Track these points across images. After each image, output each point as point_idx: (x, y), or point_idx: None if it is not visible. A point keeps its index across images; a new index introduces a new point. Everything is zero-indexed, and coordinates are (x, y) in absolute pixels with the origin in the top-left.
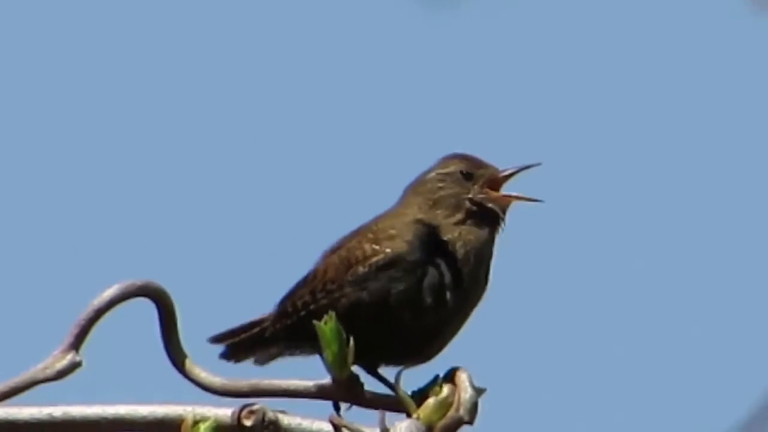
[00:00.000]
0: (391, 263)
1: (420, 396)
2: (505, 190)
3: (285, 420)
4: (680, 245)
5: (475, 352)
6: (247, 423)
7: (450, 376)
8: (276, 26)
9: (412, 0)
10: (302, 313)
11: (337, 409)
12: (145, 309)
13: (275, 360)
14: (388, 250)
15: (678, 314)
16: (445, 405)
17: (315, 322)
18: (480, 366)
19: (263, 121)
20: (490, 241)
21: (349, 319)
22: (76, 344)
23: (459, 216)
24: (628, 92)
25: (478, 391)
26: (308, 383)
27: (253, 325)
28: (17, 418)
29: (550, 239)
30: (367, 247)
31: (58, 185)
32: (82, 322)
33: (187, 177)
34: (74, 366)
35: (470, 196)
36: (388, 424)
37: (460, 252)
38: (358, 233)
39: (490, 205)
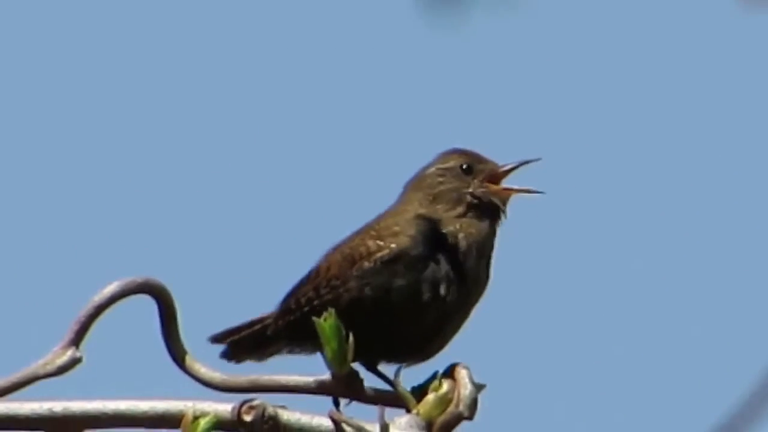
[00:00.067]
0: (396, 258)
1: (420, 392)
2: (505, 184)
3: (285, 415)
4: (679, 239)
5: (474, 348)
6: (247, 418)
7: (450, 372)
8: (278, 27)
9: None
10: (305, 309)
11: (336, 404)
12: (146, 305)
13: (274, 357)
14: (392, 246)
15: (678, 311)
16: (445, 401)
17: (315, 318)
18: (479, 362)
19: (264, 118)
20: (491, 235)
21: (352, 315)
22: (77, 340)
23: (460, 210)
24: (622, 88)
25: (478, 387)
26: (308, 379)
27: (253, 323)
28: (18, 413)
29: (549, 235)
30: (371, 243)
31: (59, 183)
32: (83, 319)
33: (187, 174)
34: (75, 362)
35: (470, 190)
36: (387, 419)
37: (462, 245)
38: (360, 232)
39: (491, 198)
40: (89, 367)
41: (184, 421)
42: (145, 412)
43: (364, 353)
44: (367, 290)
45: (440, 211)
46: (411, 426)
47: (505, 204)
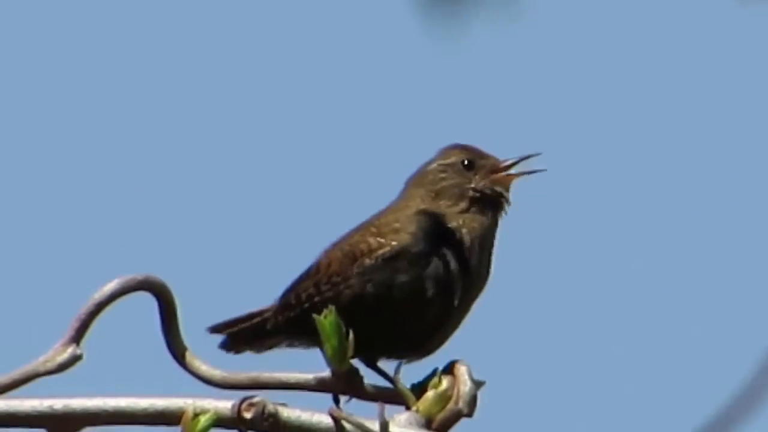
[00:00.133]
0: (397, 255)
1: (419, 389)
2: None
3: (285, 412)
4: (677, 237)
5: (473, 345)
6: (247, 415)
7: (449, 369)
8: (279, 27)
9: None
10: (306, 305)
11: (336, 401)
12: (146, 302)
13: (273, 349)
14: (394, 243)
15: (677, 308)
16: (445, 398)
17: (315, 315)
18: (479, 359)
19: (263, 115)
20: (493, 230)
21: (353, 312)
22: (77, 337)
23: (462, 205)
24: (621, 87)
25: (478, 384)
26: (308, 376)
27: (252, 316)
28: (18, 411)
29: (549, 231)
30: (371, 240)
31: (59, 180)
32: (83, 316)
33: (187, 172)
34: (75, 359)
35: (472, 185)
36: (387, 416)
37: (465, 241)
38: (360, 228)
39: (493, 188)
40: (90, 364)
41: (184, 419)
42: (145, 410)
43: (364, 350)
44: (369, 287)
45: (442, 207)
46: (411, 423)
47: (507, 191)
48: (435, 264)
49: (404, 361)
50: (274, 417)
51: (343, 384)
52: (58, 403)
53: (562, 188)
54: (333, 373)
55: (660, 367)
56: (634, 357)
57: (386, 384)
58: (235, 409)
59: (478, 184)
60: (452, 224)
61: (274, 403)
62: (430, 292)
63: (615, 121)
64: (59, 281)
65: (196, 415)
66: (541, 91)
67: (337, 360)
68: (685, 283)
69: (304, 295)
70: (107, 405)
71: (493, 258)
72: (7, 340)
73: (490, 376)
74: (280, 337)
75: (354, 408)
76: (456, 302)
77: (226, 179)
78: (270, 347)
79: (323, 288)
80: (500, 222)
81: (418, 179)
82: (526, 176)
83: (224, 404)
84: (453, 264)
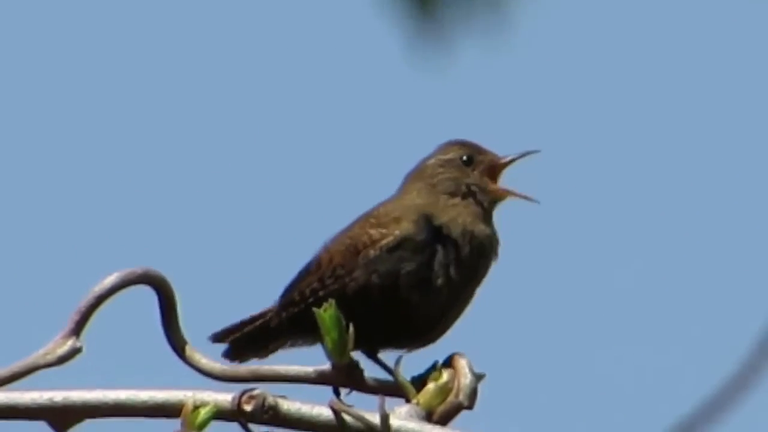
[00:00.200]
0: (400, 244)
1: (420, 382)
2: (505, 177)
3: (285, 405)
4: (676, 236)
5: (474, 337)
6: (247, 408)
7: (449, 362)
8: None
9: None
10: (310, 300)
11: (337, 394)
12: (146, 295)
13: (277, 352)
14: (396, 232)
15: (677, 305)
16: (445, 390)
17: (315, 309)
18: (479, 351)
19: (264, 117)
20: (489, 223)
21: (357, 303)
22: (77, 330)
23: (459, 199)
24: (624, 82)
25: (478, 377)
26: (308, 369)
27: (254, 319)
28: (18, 403)
29: (551, 224)
30: (373, 231)
31: (60, 174)
32: (83, 309)
33: (185, 166)
34: (75, 352)
35: (470, 180)
36: (387, 409)
37: (461, 234)
38: (359, 220)
39: (488, 195)
40: (89, 356)
41: (184, 411)
42: (145, 402)
43: (366, 341)
44: (374, 278)
45: (439, 199)
46: (411, 415)
47: (497, 203)
48: (438, 252)
49: (406, 350)
50: (274, 409)
51: (343, 377)
52: (58, 396)
53: (559, 182)
54: (333, 366)
55: (656, 359)
56: (631, 349)
57: (387, 377)
58: (235, 401)
59: (476, 180)
60: (450, 215)
61: (274, 396)
62: (435, 280)
63: (614, 121)
64: (59, 274)
65: (196, 408)
66: (540, 90)
67: (337, 353)
68: (684, 281)
69: (308, 291)
70: (107, 397)
71: (493, 254)
72: (7, 332)
73: (491, 368)
74: (283, 340)
75: (354, 401)
76: (457, 292)
77: (224, 173)
78: (274, 351)
79: (327, 282)
80: (495, 215)
81: (416, 174)
82: (520, 198)
83: (224, 397)
84: (451, 255)
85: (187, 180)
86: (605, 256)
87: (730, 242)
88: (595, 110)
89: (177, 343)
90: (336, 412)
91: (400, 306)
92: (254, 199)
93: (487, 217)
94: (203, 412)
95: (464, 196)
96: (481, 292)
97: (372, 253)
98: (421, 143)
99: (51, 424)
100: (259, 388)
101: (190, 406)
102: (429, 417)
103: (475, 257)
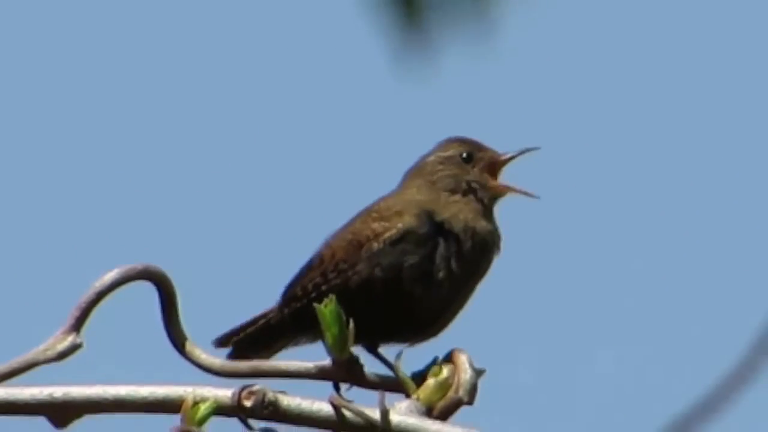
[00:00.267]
0: (403, 237)
1: (420, 377)
2: (505, 174)
3: (285, 400)
4: (676, 235)
5: (474, 333)
6: (247, 404)
7: (450, 358)
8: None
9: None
10: (312, 295)
11: (337, 389)
12: (146, 291)
13: (280, 352)
14: (399, 225)
15: (675, 303)
16: (445, 386)
17: (315, 304)
18: (479, 347)
19: (264, 116)
20: (491, 219)
21: (360, 297)
22: (77, 326)
23: (458, 196)
24: (620, 81)
25: (478, 372)
26: (308, 364)
27: (256, 320)
28: (18, 399)
29: (551, 220)
30: (375, 225)
31: (60, 170)
32: (83, 305)
33: (185, 163)
34: (75, 347)
35: (469, 177)
36: (388, 404)
37: (463, 229)
38: (360, 215)
39: (488, 191)
40: (90, 352)
41: (184, 407)
42: (145, 398)
43: (368, 335)
44: (377, 271)
45: (440, 196)
46: (411, 411)
47: (497, 199)
48: (440, 245)
49: (408, 344)
50: (274, 405)
51: (343, 372)
52: (58, 392)
53: (560, 180)
54: (333, 361)
55: (653, 357)
56: (629, 346)
57: (387, 372)
58: (235, 397)
59: (476, 177)
60: (450, 210)
61: (274, 392)
62: (437, 273)
63: (612, 121)
64: (60, 270)
65: (196, 404)
66: (540, 91)
67: (337, 348)
68: (682, 279)
69: (310, 286)
70: (107, 393)
71: (495, 249)
72: (7, 328)
73: (491, 364)
74: (286, 339)
75: (354, 396)
76: (458, 285)
77: (224, 170)
78: (277, 351)
79: (330, 276)
80: (496, 212)
81: (416, 171)
82: (520, 194)
83: (224, 392)
84: (452, 249)
85: (185, 176)
86: (604, 251)
87: (728, 240)
88: (591, 109)
89: (177, 338)
90: (336, 408)
91: (403, 299)
92: (254, 198)
93: (488, 214)
94: (203, 408)
95: (465, 193)
96: (481, 288)
97: (375, 246)
98: (420, 143)
99: (51, 419)
100: (259, 384)
101: (190, 401)
102: (429, 412)
103: (477, 252)
